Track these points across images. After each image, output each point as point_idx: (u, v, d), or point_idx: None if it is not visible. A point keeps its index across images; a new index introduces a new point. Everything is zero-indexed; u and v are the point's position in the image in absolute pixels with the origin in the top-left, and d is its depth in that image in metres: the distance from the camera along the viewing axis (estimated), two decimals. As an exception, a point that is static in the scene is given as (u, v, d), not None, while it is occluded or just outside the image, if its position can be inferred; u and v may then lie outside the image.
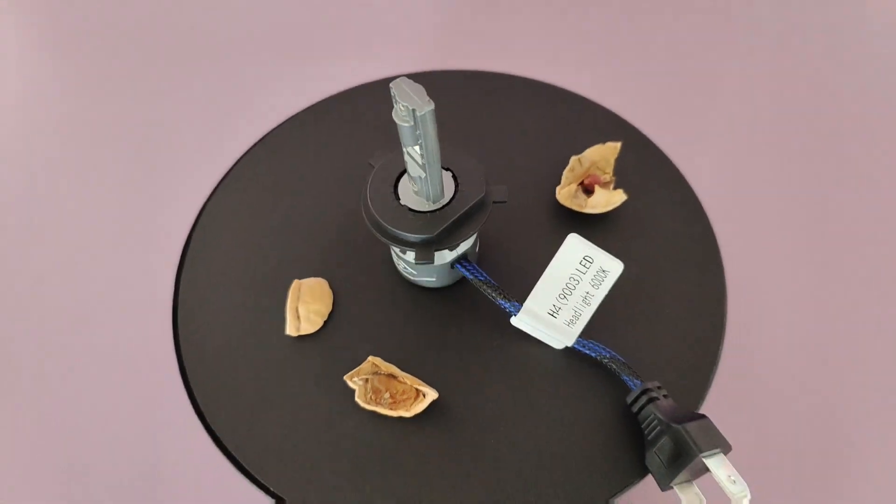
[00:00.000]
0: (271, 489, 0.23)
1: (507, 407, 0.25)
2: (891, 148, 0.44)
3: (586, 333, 0.25)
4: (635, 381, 0.24)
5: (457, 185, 0.24)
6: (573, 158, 0.29)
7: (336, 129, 0.33)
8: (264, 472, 0.24)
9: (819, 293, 0.37)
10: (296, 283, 0.27)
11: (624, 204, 0.29)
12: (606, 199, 0.28)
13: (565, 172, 0.29)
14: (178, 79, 0.48)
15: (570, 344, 0.25)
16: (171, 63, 0.50)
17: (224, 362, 0.26)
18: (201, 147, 0.44)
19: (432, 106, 0.20)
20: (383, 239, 0.24)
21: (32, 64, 0.50)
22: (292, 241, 0.29)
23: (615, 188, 0.29)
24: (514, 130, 0.32)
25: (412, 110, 0.20)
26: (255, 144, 0.32)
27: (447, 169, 0.25)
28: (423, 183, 0.23)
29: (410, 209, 0.24)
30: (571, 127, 0.32)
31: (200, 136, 0.45)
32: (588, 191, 0.29)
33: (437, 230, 0.23)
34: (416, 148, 0.22)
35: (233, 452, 0.24)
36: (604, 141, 0.31)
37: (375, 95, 0.34)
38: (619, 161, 0.30)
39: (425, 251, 0.23)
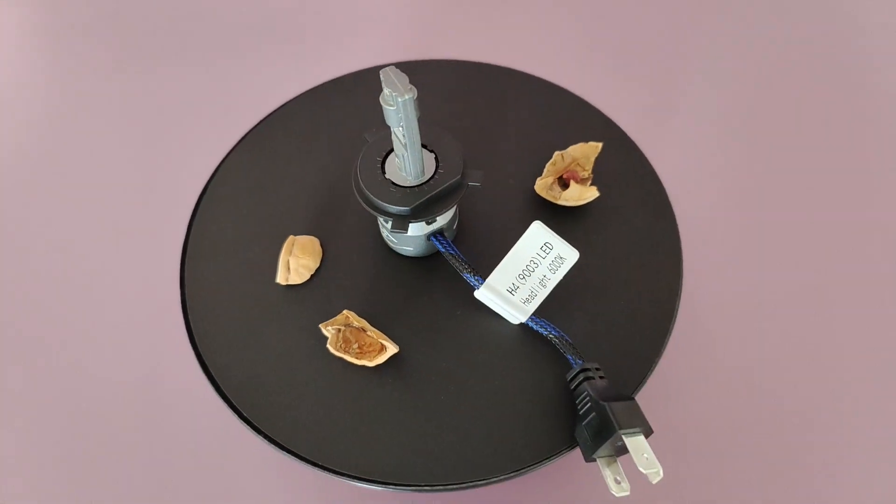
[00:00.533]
0: (245, 415, 0.27)
1: (460, 369, 0.27)
2: (872, 146, 0.45)
3: (544, 313, 0.28)
4: (577, 360, 0.26)
5: (437, 166, 0.27)
6: (556, 153, 0.32)
7: (335, 110, 0.36)
8: (241, 399, 0.27)
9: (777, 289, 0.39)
10: (291, 238, 0.30)
11: (596, 199, 0.31)
12: (579, 194, 0.30)
13: (547, 166, 0.32)
14: (177, 65, 0.50)
15: (523, 320, 0.27)
16: (169, 49, 0.51)
17: (221, 300, 0.29)
18: (210, 121, 0.46)
19: (413, 94, 0.23)
20: (366, 207, 0.27)
21: (32, 52, 0.52)
22: (292, 206, 0.32)
23: (591, 185, 0.31)
24: (502, 120, 0.35)
25: (395, 96, 0.23)
26: (265, 118, 0.35)
27: (431, 150, 0.27)
28: (404, 160, 0.26)
29: (393, 183, 0.27)
30: (557, 121, 0.35)
31: (207, 112, 0.47)
32: (565, 184, 0.31)
33: (412, 204, 0.26)
34: (399, 129, 0.24)
35: (216, 379, 0.27)
36: (586, 136, 0.33)
37: (371, 83, 0.36)
38: (600, 159, 0.32)
39: (401, 222, 0.26)
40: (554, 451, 0.26)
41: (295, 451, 0.26)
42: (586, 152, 0.32)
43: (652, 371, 0.27)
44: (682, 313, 0.31)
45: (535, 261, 0.27)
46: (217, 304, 0.29)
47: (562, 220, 0.31)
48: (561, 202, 0.31)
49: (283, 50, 0.51)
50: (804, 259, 0.40)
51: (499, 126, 0.35)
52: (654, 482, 0.23)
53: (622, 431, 0.23)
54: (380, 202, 0.26)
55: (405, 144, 0.25)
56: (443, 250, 0.28)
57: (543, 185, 0.31)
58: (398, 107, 0.23)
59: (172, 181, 0.43)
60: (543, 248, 0.27)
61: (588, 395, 0.25)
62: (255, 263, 0.30)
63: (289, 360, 0.28)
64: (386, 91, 0.23)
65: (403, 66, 0.36)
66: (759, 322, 0.37)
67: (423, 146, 0.27)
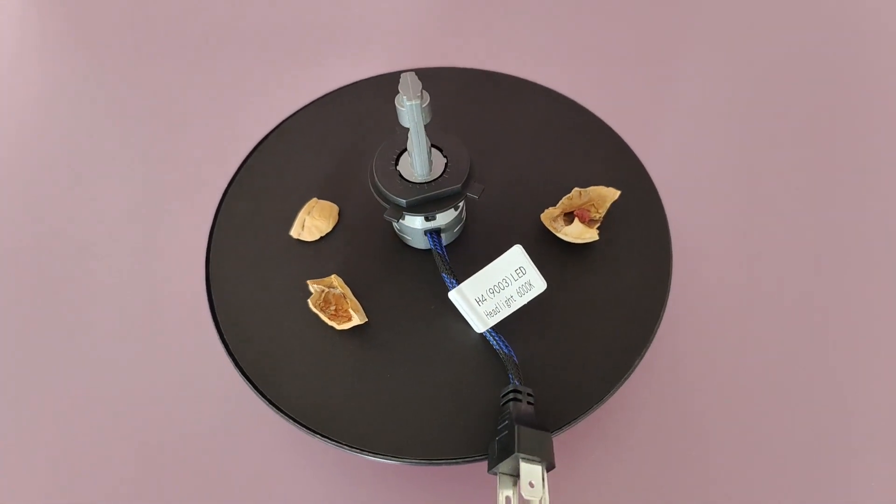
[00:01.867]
0: (226, 341, 0.30)
1: (417, 356, 0.30)
2: (867, 147, 0.45)
3: (514, 330, 0.30)
4: (515, 380, 0.28)
5: (445, 170, 0.29)
6: (576, 190, 0.33)
7: (353, 112, 0.38)
8: (229, 326, 0.31)
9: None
10: (314, 200, 0.34)
11: (596, 242, 0.32)
12: (579, 233, 0.32)
13: (564, 199, 0.33)
14: (201, 69, 0.51)
15: (482, 330, 0.29)
16: (185, 56, 0.52)
17: (239, 238, 0.34)
18: (228, 126, 0.47)
19: (420, 101, 0.25)
20: (373, 191, 0.30)
21: (53, 58, 0.52)
22: (322, 184, 0.35)
23: (594, 226, 0.32)
24: (515, 130, 0.37)
25: (404, 100, 0.25)
26: (303, 107, 0.39)
27: (444, 155, 0.30)
28: (412, 157, 0.28)
29: (401, 175, 0.29)
30: (576, 142, 0.36)
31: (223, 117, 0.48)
32: (572, 219, 0.32)
33: (410, 198, 0.29)
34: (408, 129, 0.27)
35: (215, 301, 0.32)
36: (606, 169, 0.35)
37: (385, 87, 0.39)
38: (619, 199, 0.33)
39: (396, 211, 0.29)
40: (469, 457, 0.27)
41: (252, 379, 0.29)
42: (604, 196, 0.33)
43: (587, 414, 0.28)
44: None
45: (507, 280, 0.29)
46: (237, 244, 0.34)
47: (557, 251, 0.32)
48: (560, 235, 0.32)
49: (298, 56, 0.51)
50: (811, 278, 0.39)
51: (512, 137, 0.37)
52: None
53: (521, 455, 0.25)
54: (382, 188, 0.29)
55: (412, 144, 0.27)
56: (432, 247, 0.31)
57: (549, 215, 0.32)
58: (407, 109, 0.26)
59: (196, 178, 0.44)
60: (517, 272, 0.29)
61: (508, 413, 0.27)
62: (277, 221, 0.34)
63: (274, 304, 0.31)
64: (400, 93, 0.26)
65: (426, 72, 0.39)
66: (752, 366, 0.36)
67: (437, 149, 0.30)
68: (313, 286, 0.31)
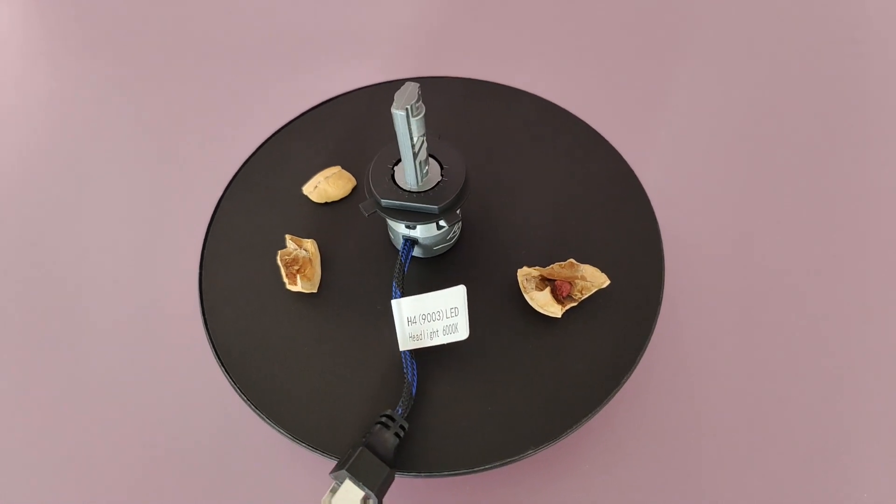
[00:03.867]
0: (201, 287, 0.33)
1: (336, 339, 0.31)
2: (861, 150, 0.45)
3: (446, 361, 0.29)
4: (398, 408, 0.28)
5: (436, 185, 0.29)
6: (570, 261, 0.31)
7: (350, 120, 0.38)
8: (209, 274, 0.33)
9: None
10: (337, 168, 0.36)
11: (558, 319, 0.30)
12: (543, 304, 0.30)
13: (556, 265, 0.31)
14: (199, 77, 0.51)
15: (402, 349, 0.29)
16: (197, 59, 0.52)
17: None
18: (229, 129, 0.47)
19: (402, 112, 0.25)
20: (365, 187, 0.30)
21: (55, 62, 0.53)
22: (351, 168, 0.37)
23: (566, 306, 0.30)
24: (517, 145, 0.37)
25: (393, 108, 0.26)
26: (300, 115, 0.39)
27: (441, 172, 0.30)
28: (403, 165, 0.29)
29: (392, 178, 0.30)
30: (587, 176, 0.36)
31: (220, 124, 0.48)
32: (549, 284, 0.31)
33: (388, 200, 0.29)
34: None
35: (207, 241, 0.35)
36: (616, 204, 0.35)
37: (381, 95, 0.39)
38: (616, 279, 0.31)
39: (370, 205, 0.30)
40: (336, 456, 0.28)
41: (211, 333, 0.31)
42: (594, 279, 0.31)
43: (473, 471, 0.28)
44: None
45: (440, 315, 0.29)
46: (260, 179, 0.36)
47: (521, 309, 0.31)
48: (525, 297, 0.31)
49: (297, 64, 0.51)
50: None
51: (507, 147, 0.37)
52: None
53: (348, 473, 0.25)
54: (372, 187, 0.30)
55: (402, 151, 0.28)
56: (399, 251, 0.31)
57: (525, 273, 0.31)
58: (395, 118, 0.26)
59: (193, 182, 0.45)
60: (451, 311, 0.28)
61: (368, 433, 0.27)
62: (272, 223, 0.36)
63: (253, 245, 0.34)
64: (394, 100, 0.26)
65: (423, 81, 0.39)
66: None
67: (438, 163, 0.30)
68: (290, 241, 0.33)
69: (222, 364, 0.30)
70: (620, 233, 0.34)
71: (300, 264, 0.32)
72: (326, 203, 0.35)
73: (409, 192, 0.29)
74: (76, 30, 0.56)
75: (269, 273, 0.33)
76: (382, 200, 0.29)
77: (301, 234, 0.34)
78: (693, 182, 0.44)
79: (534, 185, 0.36)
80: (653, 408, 0.34)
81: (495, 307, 0.31)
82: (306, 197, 0.35)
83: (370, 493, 0.25)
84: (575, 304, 0.31)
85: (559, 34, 0.53)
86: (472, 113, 0.39)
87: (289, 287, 0.32)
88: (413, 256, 0.33)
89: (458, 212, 0.30)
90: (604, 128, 0.38)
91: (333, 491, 0.26)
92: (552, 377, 0.30)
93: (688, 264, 0.39)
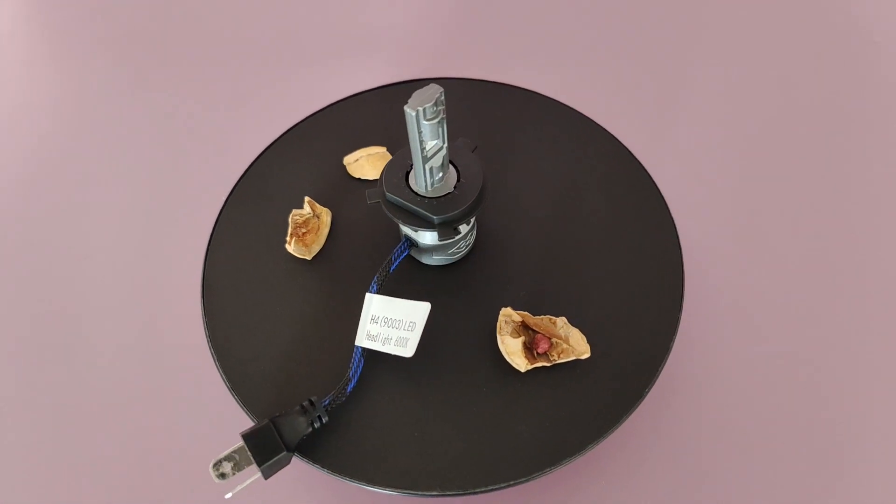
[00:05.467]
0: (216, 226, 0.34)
1: (310, 310, 0.31)
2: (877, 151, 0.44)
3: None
4: (326, 399, 0.27)
5: (446, 194, 0.28)
6: (563, 319, 0.29)
7: (358, 121, 0.37)
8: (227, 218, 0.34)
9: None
10: (383, 148, 0.35)
11: (520, 373, 0.28)
12: (510, 351, 0.28)
13: (546, 318, 0.29)
14: (205, 78, 0.50)
15: (356, 344, 0.29)
16: (201, 61, 0.51)
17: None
18: (237, 131, 0.46)
19: (413, 112, 0.24)
20: (381, 175, 0.30)
21: (57, 66, 0.51)
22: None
23: (533, 363, 0.28)
24: (530, 148, 0.36)
25: (406, 107, 0.25)
26: (309, 116, 0.38)
27: (458, 179, 0.29)
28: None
29: (405, 177, 0.29)
30: (596, 169, 0.35)
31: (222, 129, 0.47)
32: (526, 333, 0.29)
33: (393, 195, 0.28)
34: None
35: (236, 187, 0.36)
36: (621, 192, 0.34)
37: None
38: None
39: (374, 194, 0.29)
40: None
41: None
42: (577, 347, 0.28)
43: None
44: None
45: (399, 324, 0.28)
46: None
47: (495, 349, 0.29)
48: (498, 338, 0.29)
49: (306, 65, 0.50)
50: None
51: (520, 151, 0.36)
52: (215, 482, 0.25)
53: (242, 439, 0.25)
54: (385, 173, 0.29)
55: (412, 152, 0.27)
56: (394, 248, 0.30)
57: (507, 314, 0.29)
58: (407, 117, 0.25)
59: (200, 183, 0.44)
60: (409, 325, 0.27)
61: (287, 411, 0.27)
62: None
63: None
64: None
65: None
66: None
67: (457, 174, 0.29)
68: (307, 203, 0.33)
69: (203, 298, 0.32)
70: (640, 287, 0.31)
71: (309, 229, 0.33)
72: (360, 179, 0.35)
73: (416, 193, 0.28)
74: (78, 29, 0.54)
75: (280, 228, 0.33)
76: (388, 194, 0.28)
77: (322, 200, 0.34)
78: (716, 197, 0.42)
79: (556, 203, 0.34)
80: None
81: (472, 338, 0.30)
82: (344, 167, 0.35)
83: (259, 466, 0.25)
84: (547, 364, 0.28)
85: (570, 33, 0.52)
86: (479, 117, 0.37)
87: (286, 246, 0.32)
88: (417, 261, 0.32)
89: (457, 228, 0.28)
90: (623, 134, 0.37)
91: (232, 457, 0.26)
92: (487, 429, 0.28)
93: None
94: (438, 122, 0.25)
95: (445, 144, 0.27)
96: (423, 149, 0.26)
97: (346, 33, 0.52)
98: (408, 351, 0.27)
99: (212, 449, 0.27)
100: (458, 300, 0.31)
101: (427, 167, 0.27)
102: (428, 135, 0.26)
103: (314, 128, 0.37)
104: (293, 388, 0.29)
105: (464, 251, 0.32)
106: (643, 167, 0.35)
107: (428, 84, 0.25)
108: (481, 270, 0.32)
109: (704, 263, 0.38)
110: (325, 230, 0.33)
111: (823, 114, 0.46)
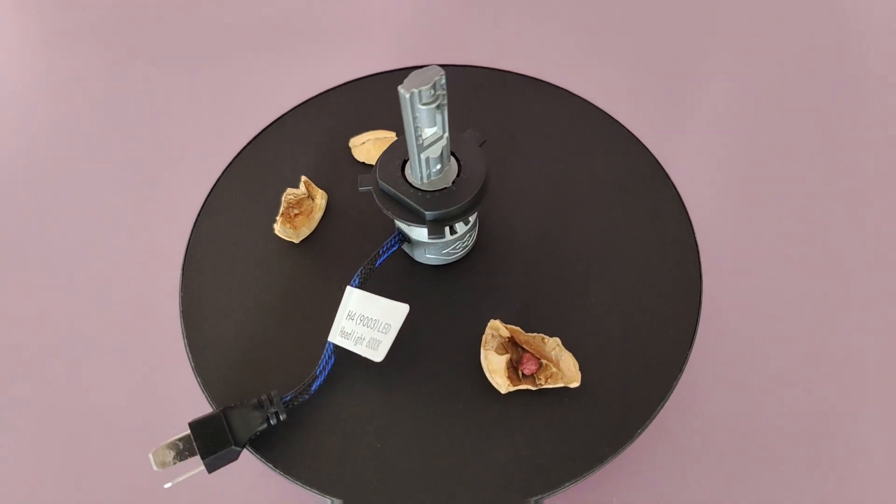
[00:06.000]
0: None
1: (288, 296, 0.29)
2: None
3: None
4: (287, 395, 0.25)
5: (443, 189, 0.26)
6: (556, 340, 0.26)
7: (351, 109, 0.35)
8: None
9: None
10: (392, 133, 0.33)
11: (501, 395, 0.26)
12: (491, 368, 0.25)
13: (536, 336, 0.26)
14: (182, 73, 0.48)
15: (329, 339, 0.27)
16: (174, 55, 0.49)
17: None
18: (224, 119, 0.46)
19: (407, 94, 0.22)
20: (374, 168, 0.27)
21: (34, 55, 0.50)
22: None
23: (517, 385, 0.25)
24: (534, 140, 0.33)
25: (401, 88, 0.22)
26: (304, 102, 0.35)
27: (459, 173, 0.26)
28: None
29: (402, 169, 0.27)
30: (610, 162, 0.32)
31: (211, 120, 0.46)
32: (515, 348, 0.26)
33: (386, 184, 0.26)
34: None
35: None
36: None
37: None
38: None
39: (365, 181, 0.27)
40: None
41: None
42: (567, 373, 0.25)
43: None
44: None
45: (375, 325, 0.26)
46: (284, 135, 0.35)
47: (478, 364, 0.27)
48: (482, 352, 0.26)
49: (300, 51, 0.48)
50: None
51: (524, 143, 0.33)
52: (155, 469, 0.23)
53: (189, 427, 0.24)
54: (381, 159, 0.27)
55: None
56: (383, 244, 0.28)
57: (494, 327, 0.26)
58: (401, 98, 0.23)
59: (181, 175, 0.43)
60: (384, 326, 0.25)
61: (241, 403, 0.25)
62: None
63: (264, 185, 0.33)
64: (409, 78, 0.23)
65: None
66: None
67: (458, 168, 0.26)
68: (303, 184, 0.31)
69: (183, 272, 0.30)
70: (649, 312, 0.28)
71: (302, 210, 0.31)
72: (364, 163, 0.33)
73: (411, 185, 0.26)
74: (58, 18, 0.53)
75: (274, 207, 0.32)
76: (380, 182, 0.26)
77: (321, 182, 0.32)
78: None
79: (566, 209, 0.31)
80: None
81: (457, 348, 0.27)
82: (349, 150, 0.33)
83: (202, 457, 0.23)
84: (532, 388, 0.26)
85: (572, 20, 0.50)
86: (481, 105, 0.35)
87: (275, 226, 0.30)
88: (411, 258, 0.30)
89: (453, 227, 0.26)
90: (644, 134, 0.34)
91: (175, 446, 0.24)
92: (456, 450, 0.25)
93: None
94: (437, 107, 0.23)
95: (446, 134, 0.25)
96: (418, 136, 0.24)
97: (362, 14, 0.51)
98: (378, 355, 0.25)
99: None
100: (448, 305, 0.29)
101: (423, 157, 0.25)
102: (424, 121, 0.23)
103: (323, 106, 0.35)
104: (261, 379, 0.27)
105: (461, 253, 0.29)
106: (666, 175, 0.32)
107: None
108: (477, 275, 0.29)
109: (719, 299, 0.35)
110: (318, 214, 0.31)
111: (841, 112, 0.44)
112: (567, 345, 0.27)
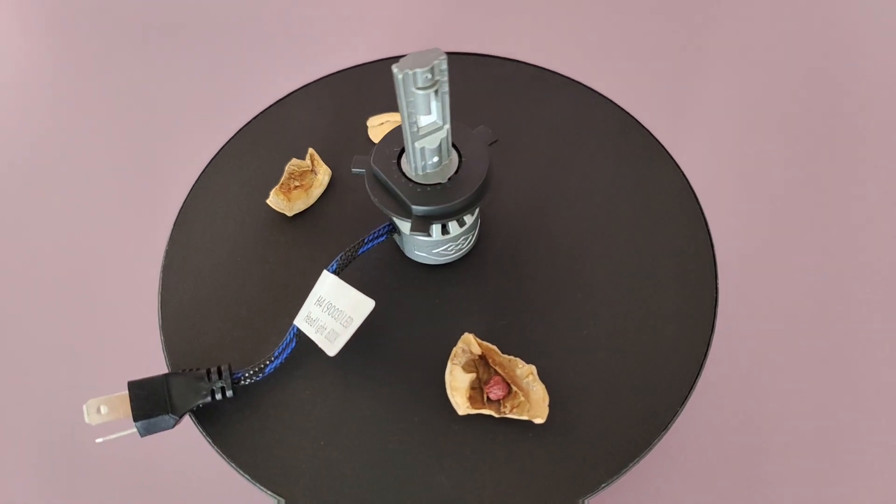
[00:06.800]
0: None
1: (270, 271, 0.28)
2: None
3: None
4: (239, 372, 0.24)
5: (431, 186, 0.24)
6: (531, 368, 0.24)
7: (344, 99, 0.33)
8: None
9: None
10: (392, 116, 0.31)
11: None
12: (452, 386, 0.23)
13: (514, 359, 0.24)
14: (172, 59, 0.48)
15: (294, 323, 0.25)
16: (165, 43, 0.49)
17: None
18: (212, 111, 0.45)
19: (400, 74, 0.20)
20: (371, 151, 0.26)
21: (30, 45, 0.49)
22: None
23: (477, 408, 0.23)
24: (538, 134, 0.31)
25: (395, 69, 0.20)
26: (279, 100, 0.33)
27: (459, 165, 0.24)
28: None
29: (397, 161, 0.25)
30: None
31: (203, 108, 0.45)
32: (482, 368, 0.24)
33: (379, 171, 0.24)
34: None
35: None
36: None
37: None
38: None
39: (360, 162, 0.25)
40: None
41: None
42: (534, 407, 0.23)
43: None
44: None
45: (340, 315, 0.24)
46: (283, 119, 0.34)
47: (441, 382, 0.25)
48: (448, 365, 0.24)
49: (297, 37, 0.48)
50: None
51: (528, 137, 0.31)
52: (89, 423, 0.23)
53: (128, 387, 0.23)
54: (371, 161, 0.25)
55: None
56: (371, 232, 0.26)
57: (467, 342, 0.24)
58: (395, 79, 0.21)
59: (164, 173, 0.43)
60: (346, 320, 0.24)
61: (189, 370, 0.24)
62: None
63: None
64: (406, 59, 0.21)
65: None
66: None
67: (459, 163, 0.24)
68: (310, 156, 0.30)
69: (173, 230, 0.29)
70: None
71: (303, 183, 0.30)
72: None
73: (403, 174, 0.24)
74: (43, 9, 0.53)
75: (275, 177, 0.30)
76: (373, 166, 0.24)
77: (328, 159, 0.31)
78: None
79: (579, 217, 0.29)
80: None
81: (429, 356, 0.25)
82: (365, 128, 0.32)
83: (135, 419, 0.22)
84: (495, 415, 0.23)
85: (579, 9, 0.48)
86: (484, 95, 0.33)
87: (272, 193, 0.29)
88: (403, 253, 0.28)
89: (446, 227, 0.24)
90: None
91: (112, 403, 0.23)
92: (400, 465, 0.23)
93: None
94: (434, 93, 0.21)
95: (446, 126, 0.23)
96: (412, 122, 0.22)
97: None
98: (333, 348, 0.23)
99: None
100: (430, 309, 0.27)
101: (417, 146, 0.23)
102: (419, 106, 0.21)
103: (349, 79, 0.34)
104: (223, 349, 0.26)
105: (453, 255, 0.27)
106: (701, 212, 0.29)
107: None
108: (468, 282, 0.27)
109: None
110: (318, 191, 0.29)
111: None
112: (546, 376, 0.24)
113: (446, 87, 0.21)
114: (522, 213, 0.29)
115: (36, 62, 0.50)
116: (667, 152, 0.30)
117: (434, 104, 0.22)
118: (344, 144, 0.31)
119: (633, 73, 0.46)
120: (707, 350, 0.25)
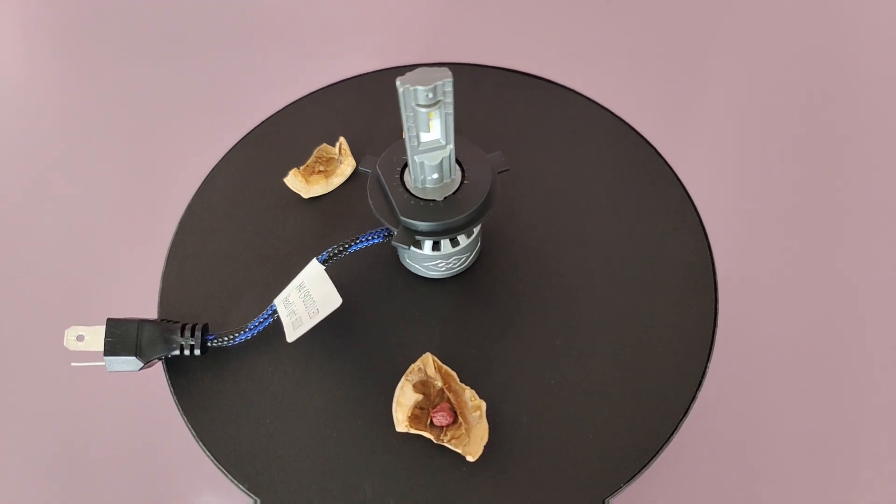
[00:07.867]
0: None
1: (274, 244, 0.29)
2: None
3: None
4: (212, 335, 0.25)
5: (427, 202, 0.24)
6: (479, 406, 0.23)
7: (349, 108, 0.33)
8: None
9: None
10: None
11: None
12: (397, 403, 0.23)
13: (467, 393, 0.24)
14: (177, 66, 0.48)
15: (275, 300, 0.26)
16: (169, 50, 0.49)
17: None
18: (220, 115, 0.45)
19: (401, 88, 0.20)
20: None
21: (33, 51, 0.48)
22: None
23: (416, 428, 0.23)
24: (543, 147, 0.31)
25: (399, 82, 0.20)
26: (289, 105, 0.33)
27: (463, 180, 0.24)
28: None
29: (401, 170, 0.25)
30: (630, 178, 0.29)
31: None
32: (434, 391, 0.24)
33: (379, 181, 0.25)
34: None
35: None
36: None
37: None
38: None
39: (368, 168, 0.25)
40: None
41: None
42: (472, 441, 0.23)
43: None
44: None
45: (311, 305, 0.25)
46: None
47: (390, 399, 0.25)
48: (397, 390, 0.24)
49: (294, 48, 0.49)
50: None
51: (532, 148, 0.31)
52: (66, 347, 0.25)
53: (106, 323, 0.24)
54: (385, 152, 0.25)
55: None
56: (369, 231, 0.27)
57: (424, 362, 0.24)
58: (399, 91, 0.21)
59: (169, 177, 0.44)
60: (314, 311, 0.24)
61: (166, 321, 0.25)
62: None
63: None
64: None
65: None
66: None
67: (462, 180, 0.24)
68: (340, 144, 0.31)
69: (195, 195, 0.31)
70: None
71: (328, 168, 0.30)
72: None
73: (403, 183, 0.24)
74: (48, 12, 0.53)
75: (300, 160, 0.31)
76: (378, 169, 0.25)
77: (357, 152, 0.31)
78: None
79: (580, 249, 0.28)
80: None
81: (396, 365, 0.25)
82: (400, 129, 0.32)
83: (106, 352, 0.24)
84: (433, 439, 0.23)
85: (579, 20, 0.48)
86: (486, 107, 0.32)
87: (290, 171, 0.30)
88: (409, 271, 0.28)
89: (438, 244, 0.24)
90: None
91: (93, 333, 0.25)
92: (335, 461, 0.24)
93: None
94: (437, 113, 0.21)
95: (450, 146, 0.23)
96: (411, 136, 0.22)
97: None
98: (293, 335, 0.24)
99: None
100: (409, 319, 0.27)
101: (417, 160, 0.23)
102: (420, 123, 0.21)
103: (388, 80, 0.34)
104: (210, 309, 0.27)
105: (444, 273, 0.27)
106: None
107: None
108: (453, 301, 0.27)
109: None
110: (339, 180, 0.30)
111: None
112: (504, 415, 0.24)
113: (450, 109, 0.21)
114: (521, 233, 0.29)
115: (39, 68, 0.50)
116: (667, 164, 0.29)
117: (436, 123, 0.22)
118: (378, 141, 0.32)
119: (635, 83, 0.45)
120: (705, 370, 0.25)
